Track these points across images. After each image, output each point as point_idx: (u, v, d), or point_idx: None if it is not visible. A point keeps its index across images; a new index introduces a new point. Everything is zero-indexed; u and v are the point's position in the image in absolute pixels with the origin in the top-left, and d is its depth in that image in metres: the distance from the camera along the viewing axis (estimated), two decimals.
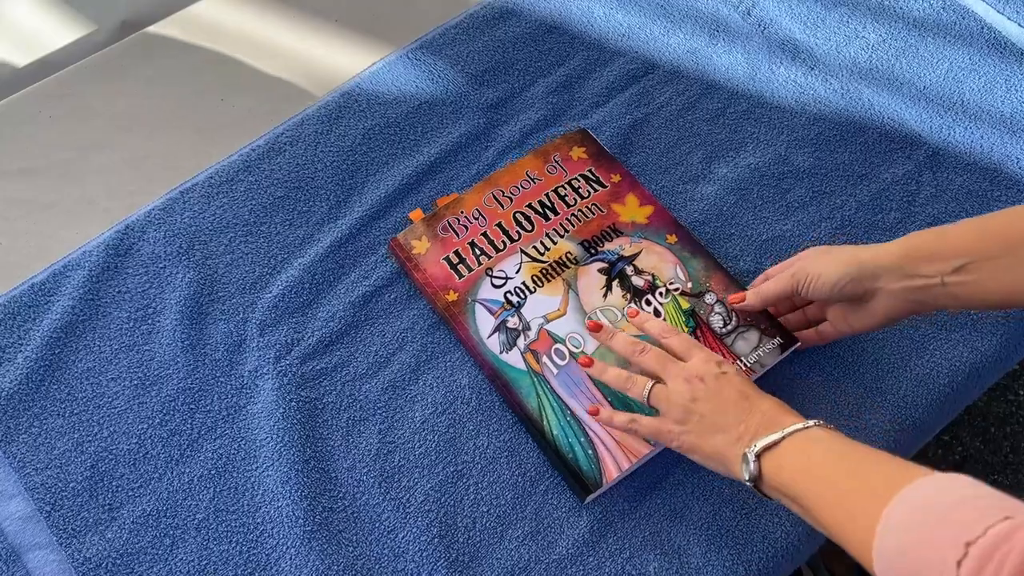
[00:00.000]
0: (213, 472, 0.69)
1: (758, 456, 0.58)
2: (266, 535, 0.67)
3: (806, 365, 0.74)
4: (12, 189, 0.84)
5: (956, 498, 0.46)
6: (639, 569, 0.66)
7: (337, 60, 0.91)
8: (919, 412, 0.72)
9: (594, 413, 0.68)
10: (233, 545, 0.66)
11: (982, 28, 0.88)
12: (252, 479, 0.69)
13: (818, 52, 0.88)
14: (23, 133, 0.87)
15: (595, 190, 0.79)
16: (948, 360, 0.74)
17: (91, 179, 0.85)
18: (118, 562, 0.66)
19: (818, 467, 0.56)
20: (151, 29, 0.94)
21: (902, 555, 0.47)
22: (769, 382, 0.72)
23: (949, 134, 0.84)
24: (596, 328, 0.71)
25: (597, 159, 0.81)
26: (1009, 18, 0.88)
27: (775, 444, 0.58)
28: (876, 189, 0.81)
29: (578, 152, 0.81)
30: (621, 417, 0.67)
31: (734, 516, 0.68)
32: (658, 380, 0.65)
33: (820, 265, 0.66)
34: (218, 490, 0.68)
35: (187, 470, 0.69)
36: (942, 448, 1.26)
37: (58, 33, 0.96)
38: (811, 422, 0.58)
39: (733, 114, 0.85)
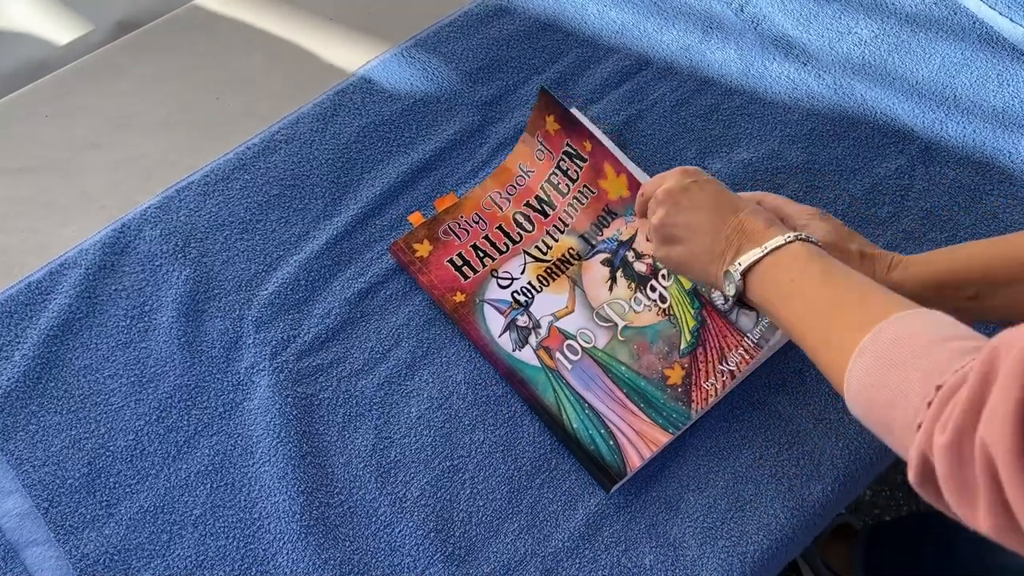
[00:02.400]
0: (210, 468, 0.69)
1: (743, 275, 0.59)
2: (263, 530, 0.67)
3: (801, 358, 0.74)
4: (9, 188, 0.84)
5: (933, 336, 0.47)
6: (635, 562, 0.66)
7: (332, 58, 0.91)
8: None
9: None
10: (230, 540, 0.67)
11: (974, 23, 0.89)
12: (249, 475, 0.69)
13: (811, 48, 0.88)
14: (20, 132, 0.87)
15: (579, 167, 0.79)
16: None
17: (88, 178, 0.85)
18: (115, 558, 0.66)
19: (799, 285, 0.56)
20: (146, 28, 0.94)
21: (876, 386, 0.48)
22: (767, 375, 0.73)
23: (941, 128, 0.84)
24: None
25: (567, 127, 0.79)
26: (1001, 13, 0.88)
27: (758, 261, 0.58)
28: (869, 183, 0.82)
29: (551, 123, 0.80)
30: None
31: (729, 508, 0.68)
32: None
33: None
34: (215, 486, 0.68)
35: (184, 466, 0.69)
36: None
37: (54, 33, 0.96)
38: (790, 235, 0.58)
39: (727, 110, 0.86)
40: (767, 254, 0.58)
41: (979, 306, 0.62)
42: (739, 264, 0.58)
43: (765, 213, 0.62)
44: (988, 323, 0.73)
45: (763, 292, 0.58)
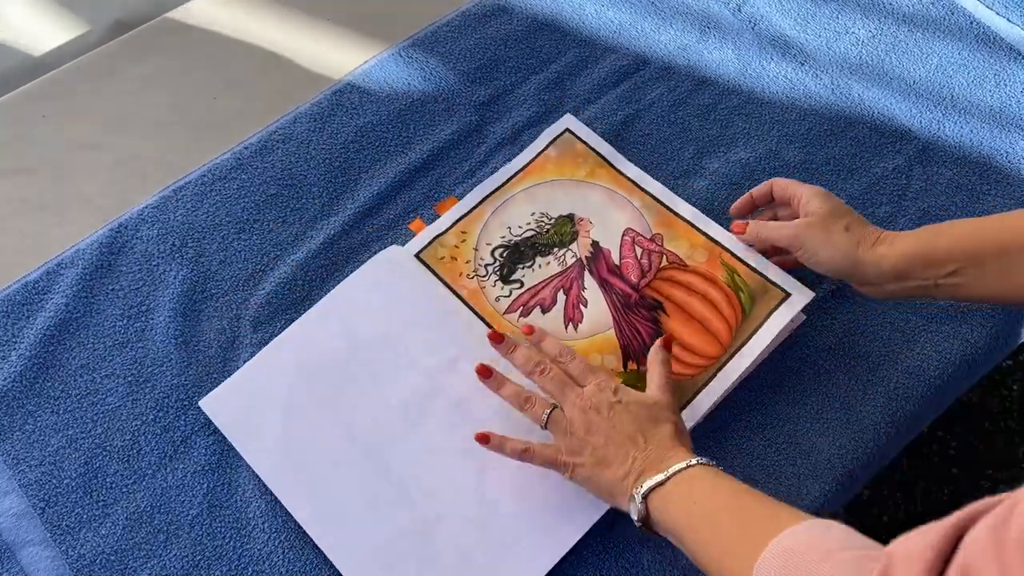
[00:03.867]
0: (206, 468, 0.69)
1: (645, 497, 0.58)
2: (259, 530, 0.67)
3: (797, 359, 0.74)
4: (5, 188, 0.84)
5: (827, 548, 0.47)
6: (632, 561, 0.66)
7: (329, 58, 0.91)
8: (910, 404, 0.73)
9: (483, 440, 0.65)
10: (226, 540, 0.67)
11: (971, 23, 0.89)
12: (244, 474, 0.69)
13: (808, 48, 0.88)
14: (17, 133, 0.87)
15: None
16: (939, 352, 0.74)
17: (85, 178, 0.85)
18: (112, 559, 0.66)
19: (699, 507, 0.57)
20: (144, 28, 0.94)
21: None
22: (765, 375, 0.73)
23: (939, 128, 0.84)
24: (498, 339, 0.69)
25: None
26: (998, 13, 0.88)
27: (660, 484, 0.58)
28: (867, 183, 0.82)
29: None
30: (514, 445, 0.65)
31: None
32: (556, 405, 0.65)
33: (819, 246, 0.67)
34: (211, 486, 0.68)
35: (180, 467, 0.69)
36: (937, 444, 1.26)
37: (51, 33, 0.96)
38: (694, 460, 0.59)
39: (724, 109, 0.86)
40: (670, 477, 0.58)
41: (955, 284, 0.63)
42: (642, 486, 0.58)
43: (676, 436, 0.62)
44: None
45: (665, 515, 0.58)
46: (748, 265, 0.74)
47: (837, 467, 0.70)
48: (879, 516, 1.22)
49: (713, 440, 0.71)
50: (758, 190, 0.75)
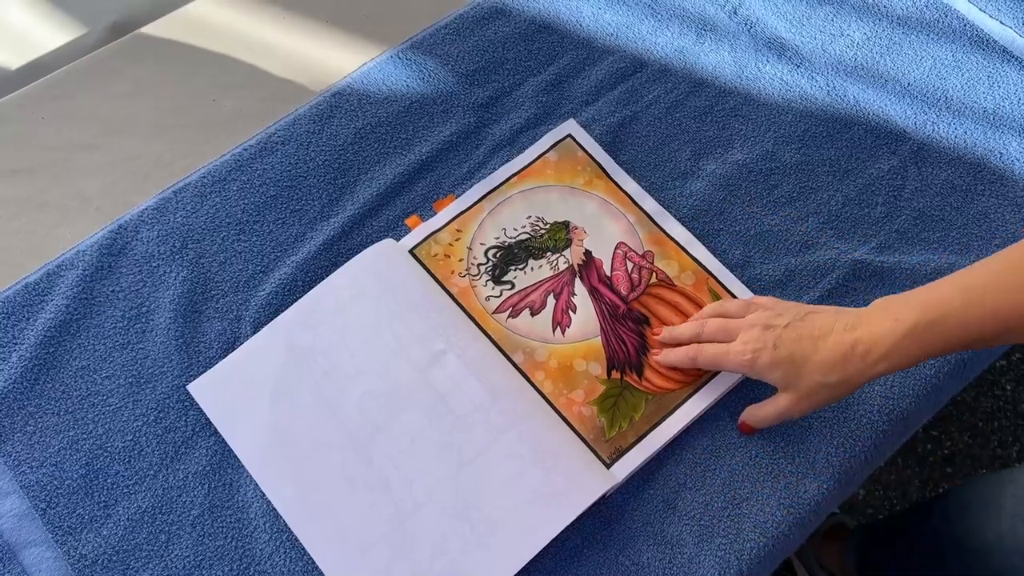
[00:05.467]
0: (207, 469, 0.69)
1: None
2: (260, 531, 0.67)
3: None
4: (5, 189, 0.84)
5: None
6: (632, 559, 0.67)
7: (328, 60, 0.92)
8: (906, 403, 0.73)
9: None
10: (228, 541, 0.67)
11: (964, 25, 0.90)
12: (246, 475, 0.69)
13: (804, 50, 0.89)
14: (15, 134, 0.87)
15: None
16: None
17: (84, 179, 0.85)
18: (113, 559, 0.66)
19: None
20: (143, 31, 0.94)
21: None
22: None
23: (933, 129, 0.85)
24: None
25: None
26: (991, 16, 0.89)
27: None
28: (862, 184, 0.82)
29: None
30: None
31: (725, 506, 0.69)
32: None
33: (821, 407, 0.65)
34: (212, 487, 0.69)
35: (181, 467, 0.69)
36: (931, 443, 1.27)
37: (50, 35, 0.96)
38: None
39: (721, 111, 0.86)
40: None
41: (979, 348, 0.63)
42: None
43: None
44: None
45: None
46: (733, 295, 0.76)
47: (834, 465, 0.70)
48: (874, 516, 1.23)
49: (709, 438, 0.71)
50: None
